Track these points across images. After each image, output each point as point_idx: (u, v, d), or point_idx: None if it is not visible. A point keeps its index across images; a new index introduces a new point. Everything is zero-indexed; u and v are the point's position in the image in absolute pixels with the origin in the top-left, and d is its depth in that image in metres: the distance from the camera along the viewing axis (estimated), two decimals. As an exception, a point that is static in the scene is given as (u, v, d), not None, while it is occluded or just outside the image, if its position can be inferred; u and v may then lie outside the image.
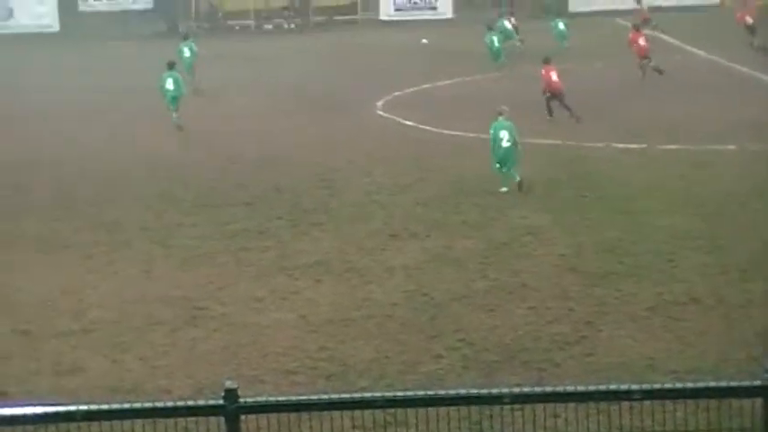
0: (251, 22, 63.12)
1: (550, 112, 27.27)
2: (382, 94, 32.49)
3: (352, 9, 63.14)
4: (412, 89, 33.92)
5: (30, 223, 19.17)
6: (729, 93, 30.37)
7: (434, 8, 62.08)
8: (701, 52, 37.42)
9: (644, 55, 32.89)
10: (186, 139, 27.36)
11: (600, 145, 24.00)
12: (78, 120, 30.90)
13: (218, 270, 16.30)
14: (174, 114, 28.62)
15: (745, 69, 34.05)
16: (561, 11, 54.16)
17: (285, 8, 63.71)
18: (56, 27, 62.87)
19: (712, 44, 37.26)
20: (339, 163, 23.60)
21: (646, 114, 27.61)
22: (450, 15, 57.27)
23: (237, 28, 62.53)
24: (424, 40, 46.23)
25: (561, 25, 42.66)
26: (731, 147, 23.11)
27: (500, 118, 20.65)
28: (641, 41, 33.11)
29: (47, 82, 39.42)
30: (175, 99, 28.70)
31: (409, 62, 40.50)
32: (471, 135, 25.49)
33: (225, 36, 58.79)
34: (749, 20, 37.82)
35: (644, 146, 23.68)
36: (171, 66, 29.79)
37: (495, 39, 37.80)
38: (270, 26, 62.99)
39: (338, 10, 63.22)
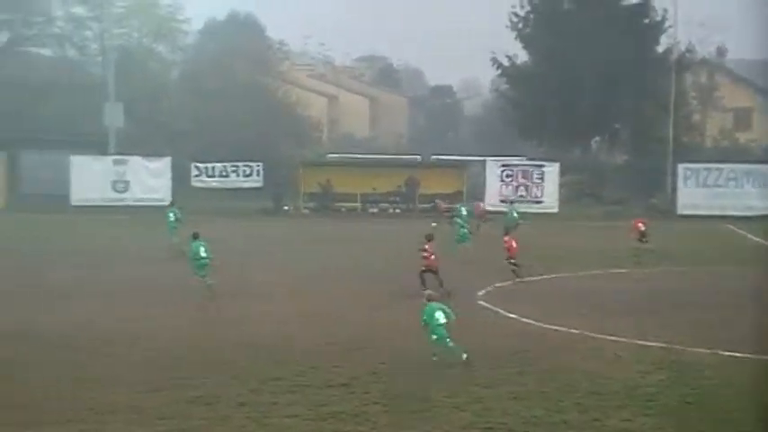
0: (357, 205, 64.11)
1: (423, 284, 29.69)
2: (484, 283, 32.34)
3: (457, 197, 63.90)
4: (514, 281, 33.77)
5: (123, 393, 19.17)
6: None
7: (540, 201, 62.48)
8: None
9: (511, 255, 34.41)
10: (286, 319, 27.45)
11: (706, 351, 23.36)
12: (176, 292, 31.36)
13: (311, 452, 16.03)
14: (208, 280, 30.56)
15: None
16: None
17: (391, 193, 64.67)
18: (168, 200, 64.66)
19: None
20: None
21: (752, 323, 26.91)
22: (555, 209, 57.36)
23: (344, 210, 63.56)
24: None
25: (515, 213, 48.02)
26: None
27: (431, 303, 22.23)
28: (513, 243, 34.72)
29: (148, 253, 40.32)
30: (206, 266, 30.79)
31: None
32: (575, 332, 25.20)
33: (331, 217, 59.70)
34: (641, 226, 41.89)
35: (754, 356, 22.95)
36: (196, 236, 32.01)
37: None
38: (375, 210, 63.91)
39: (444, 197, 63.98)
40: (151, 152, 67.53)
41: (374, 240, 47.30)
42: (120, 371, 21.20)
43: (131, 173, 66.00)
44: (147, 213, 58.63)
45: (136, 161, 66.40)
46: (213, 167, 67.15)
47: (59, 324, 26.26)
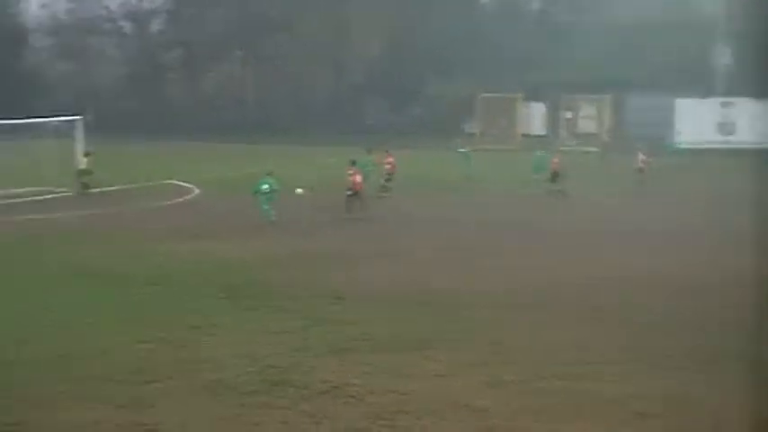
0: None
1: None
2: None
3: None
4: None
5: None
6: None
7: None
8: None
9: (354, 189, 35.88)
10: None
11: None
12: None
13: None
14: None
15: None
16: None
17: None
18: (776, 144, 61.68)
19: None
20: None
21: None
22: None
23: None
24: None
25: None
26: None
27: (266, 176, 32.96)
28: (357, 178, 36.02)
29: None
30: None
31: None
32: None
33: None
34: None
35: None
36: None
37: None
38: None
39: None
40: (759, 93, 64.68)
41: None
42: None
43: (738, 115, 64.21)
44: (751, 157, 56.04)
45: (743, 103, 64.39)
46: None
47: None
